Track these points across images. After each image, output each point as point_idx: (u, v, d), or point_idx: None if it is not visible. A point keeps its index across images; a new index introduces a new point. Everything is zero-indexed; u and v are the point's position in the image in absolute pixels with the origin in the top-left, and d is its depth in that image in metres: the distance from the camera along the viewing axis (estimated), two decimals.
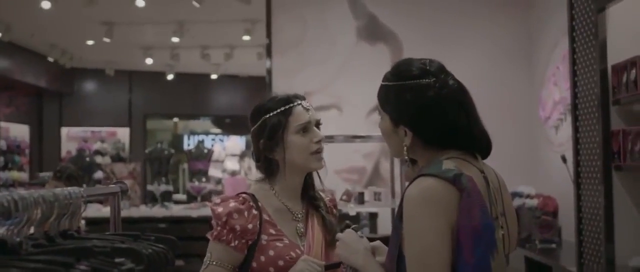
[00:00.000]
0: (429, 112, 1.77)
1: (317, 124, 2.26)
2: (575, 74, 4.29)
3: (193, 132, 15.43)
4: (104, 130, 14.06)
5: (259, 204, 2.20)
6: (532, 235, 5.51)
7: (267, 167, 2.26)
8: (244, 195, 2.23)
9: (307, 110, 2.24)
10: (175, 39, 9.78)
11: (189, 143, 14.85)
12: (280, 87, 6.97)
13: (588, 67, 4.10)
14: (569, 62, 4.37)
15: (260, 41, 8.21)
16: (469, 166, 1.76)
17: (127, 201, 9.57)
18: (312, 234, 2.23)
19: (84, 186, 5.59)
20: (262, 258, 2.14)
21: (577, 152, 4.29)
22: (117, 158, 13.56)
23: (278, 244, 2.16)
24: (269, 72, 6.95)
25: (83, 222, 5.58)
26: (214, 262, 2.13)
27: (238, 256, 2.15)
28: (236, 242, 2.14)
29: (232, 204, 2.15)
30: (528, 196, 5.87)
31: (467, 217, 1.65)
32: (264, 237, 2.16)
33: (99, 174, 11.34)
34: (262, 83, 7.36)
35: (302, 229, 2.24)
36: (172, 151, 10.83)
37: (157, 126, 15.56)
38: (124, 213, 8.96)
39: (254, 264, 2.14)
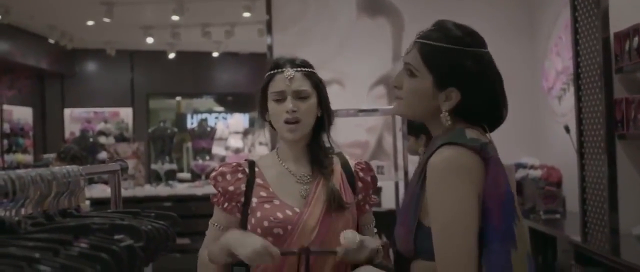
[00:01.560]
0: (483, 82, 1.76)
1: (299, 95, 2.24)
2: (577, 43, 4.27)
3: (196, 111, 15.42)
4: (107, 110, 14.05)
5: (256, 169, 2.25)
6: (536, 206, 5.51)
7: (271, 128, 2.31)
8: (242, 161, 2.30)
9: (288, 78, 2.23)
10: (175, 18, 9.73)
11: (193, 122, 14.85)
12: None
13: (590, 36, 4.08)
14: (571, 31, 4.34)
15: (261, 18, 8.17)
16: (483, 136, 1.76)
17: (131, 181, 9.58)
18: (312, 196, 2.22)
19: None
20: (253, 220, 2.19)
21: (580, 121, 4.27)
22: (120, 138, 13.58)
23: (266, 205, 2.19)
24: (270, 48, 6.92)
25: (87, 202, 5.58)
26: (214, 224, 2.27)
27: (230, 217, 2.23)
28: (225, 204, 2.23)
29: (221, 168, 2.27)
30: (532, 167, 5.87)
31: (493, 185, 1.66)
32: (254, 199, 2.21)
33: (102, 155, 11.35)
34: (263, 60, 7.35)
35: (305, 192, 2.24)
36: (175, 129, 10.82)
37: (160, 105, 15.55)
38: (129, 193, 9.05)
39: (248, 227, 2.20)
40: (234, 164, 2.29)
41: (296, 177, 2.26)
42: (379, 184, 5.79)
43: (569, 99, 5.37)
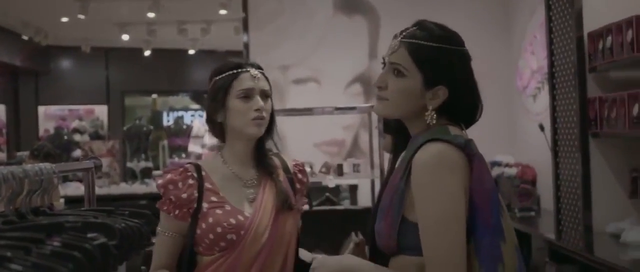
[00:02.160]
0: (468, 79, 1.81)
1: (265, 94, 2.26)
2: (551, 42, 4.30)
3: (172, 108, 15.34)
4: (82, 108, 13.93)
5: (203, 173, 2.23)
6: (511, 204, 5.54)
7: (214, 130, 2.31)
8: (187, 165, 2.26)
9: (255, 78, 2.24)
10: (151, 15, 9.66)
11: (169, 119, 14.77)
12: (257, 61, 6.92)
13: (564, 35, 4.11)
14: (545, 31, 4.37)
15: (237, 15, 8.14)
16: (464, 134, 1.80)
17: (106, 179, 9.52)
18: (261, 200, 2.23)
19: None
20: (203, 225, 2.16)
21: (554, 120, 4.31)
22: (95, 136, 13.45)
23: (217, 211, 2.18)
24: (247, 46, 6.90)
25: (62, 200, 5.54)
26: (163, 232, 2.19)
27: (181, 224, 2.19)
28: (176, 211, 2.18)
29: (168, 175, 2.20)
30: (507, 165, 5.91)
31: (480, 181, 1.70)
32: (204, 204, 2.19)
33: (77, 153, 11.24)
34: (240, 58, 7.32)
35: (252, 195, 2.25)
36: (151, 127, 10.76)
37: (136, 103, 15.45)
38: (104, 191, 8.97)
39: (198, 232, 2.17)
40: (181, 169, 2.24)
41: (242, 180, 2.27)
42: (355, 182, 5.85)
43: (544, 97, 5.41)
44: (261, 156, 2.31)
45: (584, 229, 3.93)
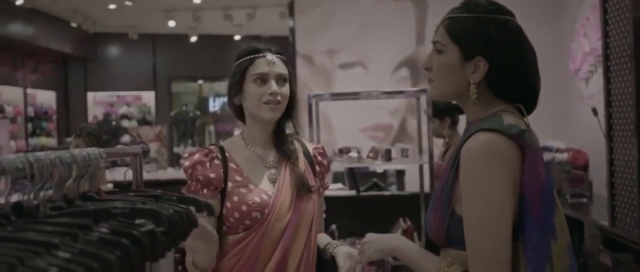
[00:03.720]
0: (511, 50, 1.69)
1: (282, 79, 2.30)
2: (606, 23, 4.16)
3: (218, 94, 15.41)
4: (130, 94, 14.10)
5: (227, 154, 2.30)
6: (563, 189, 5.43)
7: (235, 112, 2.41)
8: (211, 147, 2.35)
9: (270, 63, 2.29)
10: (196, 1, 9.69)
11: (215, 105, 14.85)
12: (303, 46, 6.90)
13: (620, 15, 3.98)
14: (600, 11, 4.24)
15: (282, 0, 8.11)
16: (521, 122, 1.69)
17: (154, 164, 9.60)
18: (282, 180, 2.29)
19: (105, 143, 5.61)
20: (228, 204, 2.22)
21: (609, 104, 4.18)
22: (143, 122, 13.62)
23: (242, 190, 2.24)
24: (292, 31, 6.88)
25: (111, 185, 5.61)
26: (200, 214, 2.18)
27: (212, 202, 2.19)
28: (205, 190, 2.23)
29: (195, 156, 2.28)
30: (558, 150, 5.79)
31: (532, 175, 1.59)
32: (230, 184, 2.25)
33: (125, 138, 11.38)
34: (285, 43, 7.30)
35: (274, 176, 2.30)
36: (198, 112, 10.83)
37: (182, 89, 15.56)
38: (152, 176, 9.06)
39: (224, 211, 2.23)
40: (205, 150, 2.31)
41: (264, 161, 2.33)
42: (403, 167, 5.79)
43: (597, 81, 5.27)
44: (280, 140, 2.36)
45: None
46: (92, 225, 1.07)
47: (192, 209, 1.37)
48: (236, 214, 2.21)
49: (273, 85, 2.25)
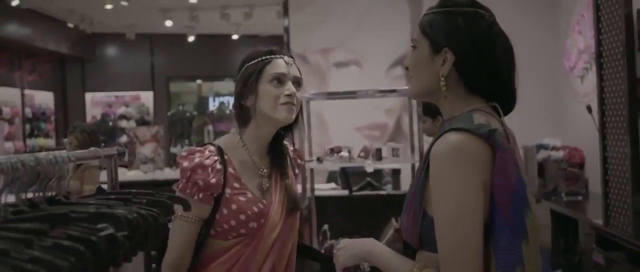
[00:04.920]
0: (478, 41, 1.65)
1: (297, 82, 2.26)
2: (599, 20, 4.14)
3: (218, 94, 15.38)
4: (128, 94, 14.09)
5: (225, 157, 2.22)
6: (559, 187, 5.40)
7: (241, 114, 2.29)
8: (211, 147, 2.24)
9: (288, 64, 2.26)
10: (193, 0, 9.66)
11: (214, 104, 14.82)
12: (298, 45, 6.88)
13: (612, 12, 3.95)
14: (592, 8, 4.21)
15: None
16: (494, 121, 1.65)
17: (151, 164, 9.58)
18: (275, 191, 2.26)
19: (101, 141, 5.59)
20: (225, 211, 2.16)
21: (602, 101, 4.15)
22: (141, 122, 13.60)
23: (241, 198, 2.18)
24: (287, 30, 6.85)
25: (106, 186, 5.56)
26: (185, 217, 2.15)
27: (204, 207, 2.15)
28: (200, 194, 2.14)
29: (197, 159, 2.16)
30: (554, 148, 5.76)
31: (502, 175, 1.55)
32: (228, 190, 2.18)
33: (123, 139, 11.36)
34: (281, 42, 7.27)
35: (267, 185, 2.26)
36: (195, 112, 10.79)
37: (181, 89, 15.54)
38: (149, 176, 9.03)
39: (217, 217, 2.16)
40: (207, 152, 2.20)
41: (258, 169, 2.27)
42: (398, 166, 5.76)
43: (592, 78, 5.24)
44: (278, 149, 2.33)
45: (633, 214, 3.78)
46: (49, 230, 1.05)
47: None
48: (232, 222, 2.16)
49: (291, 87, 2.20)
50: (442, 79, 1.66)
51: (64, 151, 1.35)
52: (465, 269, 1.53)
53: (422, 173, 1.65)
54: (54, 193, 1.34)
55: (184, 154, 2.21)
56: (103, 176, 5.64)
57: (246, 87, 2.23)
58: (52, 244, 1.00)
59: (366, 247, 1.79)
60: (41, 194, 1.28)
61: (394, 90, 4.93)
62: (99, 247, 1.02)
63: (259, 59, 2.25)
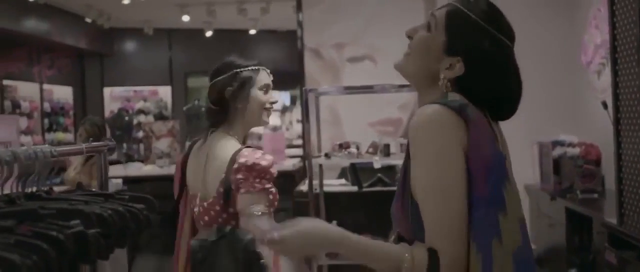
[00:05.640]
0: (491, 65, 1.65)
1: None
2: (613, 14, 4.06)
3: None
4: (146, 89, 14.13)
5: None
6: (574, 185, 5.31)
7: (225, 113, 2.64)
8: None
9: (269, 75, 2.74)
10: None
11: None
12: (312, 39, 6.83)
13: (627, 6, 3.87)
14: (607, 2, 4.13)
15: None
16: (477, 112, 1.61)
17: (167, 159, 9.57)
18: None
19: (109, 135, 5.60)
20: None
21: (616, 96, 4.07)
22: (159, 116, 13.63)
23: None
24: (300, 24, 6.80)
25: (120, 181, 5.60)
26: (271, 211, 2.51)
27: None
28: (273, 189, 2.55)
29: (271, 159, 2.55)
30: (569, 145, 5.67)
31: (476, 147, 1.53)
32: None
33: (139, 133, 11.38)
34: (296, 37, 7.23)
35: None
36: None
37: (199, 84, 15.53)
38: (164, 171, 9.04)
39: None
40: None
41: None
42: (392, 162, 5.67)
43: (609, 74, 5.14)
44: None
45: None
46: (15, 227, 1.02)
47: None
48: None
49: (274, 96, 2.69)
50: (446, 81, 1.66)
51: (47, 145, 1.33)
52: (452, 232, 1.50)
53: (405, 156, 1.63)
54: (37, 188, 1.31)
55: (264, 156, 2.51)
56: (116, 169, 5.65)
57: (242, 91, 2.60)
58: (15, 242, 0.97)
59: (333, 237, 1.59)
60: (20, 189, 1.26)
61: (409, 85, 4.87)
62: (65, 245, 0.99)
63: (251, 68, 2.67)
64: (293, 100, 15.41)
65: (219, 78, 2.67)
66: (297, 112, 14.63)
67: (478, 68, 1.64)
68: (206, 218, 2.51)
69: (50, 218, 1.09)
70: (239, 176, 2.41)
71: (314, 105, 4.52)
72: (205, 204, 2.52)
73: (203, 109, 10.13)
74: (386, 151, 4.35)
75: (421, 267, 1.50)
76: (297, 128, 14.23)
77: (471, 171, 1.52)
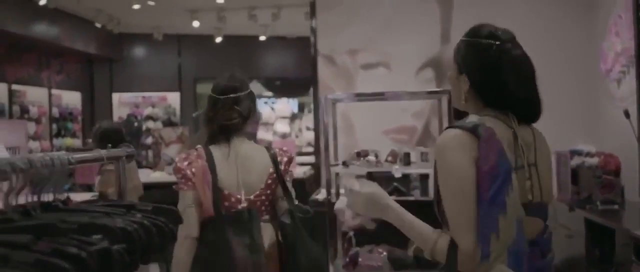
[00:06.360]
0: (484, 69, 2.08)
1: None
2: (638, 21, 3.96)
3: None
4: (155, 95, 14.06)
5: None
6: (593, 196, 5.19)
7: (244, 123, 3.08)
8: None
9: None
10: (220, 1, 9.57)
11: None
12: (325, 46, 6.74)
13: None
14: (632, 9, 4.03)
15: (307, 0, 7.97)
16: (497, 122, 2.05)
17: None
18: None
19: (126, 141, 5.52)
20: None
21: None
22: (168, 123, 13.56)
23: None
24: (314, 31, 6.71)
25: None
26: None
27: None
28: None
29: None
30: (588, 154, 5.54)
31: (484, 160, 1.91)
32: None
33: (149, 140, 11.30)
34: (309, 43, 7.15)
35: None
36: None
37: (208, 90, 15.38)
38: (173, 177, 8.95)
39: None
40: None
41: None
42: (426, 171, 5.59)
43: (629, 82, 5.04)
44: None
45: None
46: (32, 244, 0.92)
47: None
48: None
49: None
50: (464, 95, 2.12)
51: (63, 152, 1.23)
52: (466, 226, 1.90)
53: (434, 168, 2.05)
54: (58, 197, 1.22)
55: (288, 150, 3.16)
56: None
57: (255, 105, 3.15)
58: (35, 261, 0.87)
59: (383, 200, 2.15)
60: (36, 199, 1.16)
61: (434, 91, 4.75)
62: (88, 264, 0.90)
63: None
64: (301, 108, 15.32)
65: (245, 92, 3.13)
66: (306, 120, 14.54)
67: (474, 73, 2.09)
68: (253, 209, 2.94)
69: (70, 233, 1.00)
70: (286, 167, 3.03)
71: (330, 112, 4.41)
72: (251, 197, 2.94)
73: None
74: (406, 160, 4.24)
75: (442, 250, 1.96)
76: (307, 135, 14.13)
77: (478, 181, 1.91)
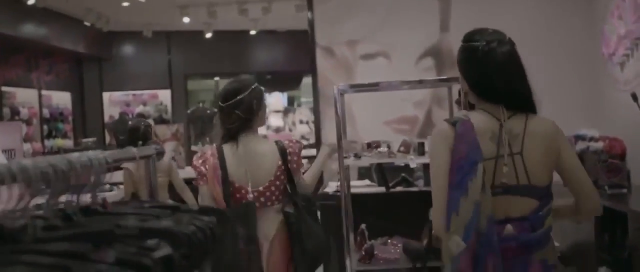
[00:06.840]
0: (472, 68, 2.42)
1: None
2: None
3: None
4: (146, 93, 13.95)
5: None
6: (599, 180, 5.14)
7: (252, 119, 3.38)
8: None
9: None
10: None
11: None
12: (323, 37, 6.66)
13: None
14: None
15: None
16: (485, 115, 2.37)
17: (173, 162, 9.38)
18: None
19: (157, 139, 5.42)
20: None
21: None
22: (159, 120, 13.45)
23: None
24: (311, 23, 6.62)
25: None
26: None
27: None
28: None
29: None
30: (592, 139, 5.49)
31: (456, 151, 2.27)
32: None
33: None
34: (302, 37, 7.07)
35: None
36: (214, 109, 10.60)
37: (199, 86, 15.38)
38: None
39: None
40: None
41: None
42: (427, 161, 5.50)
43: (633, 65, 4.99)
44: None
45: None
46: (91, 253, 0.84)
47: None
48: None
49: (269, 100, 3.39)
50: (464, 92, 2.50)
51: (99, 151, 1.15)
52: (437, 206, 2.27)
53: None
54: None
55: (295, 143, 3.51)
56: (119, 175, 5.41)
57: (262, 102, 3.40)
58: None
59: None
60: (76, 203, 1.08)
61: (445, 79, 4.65)
62: None
63: (261, 89, 3.45)
64: (290, 102, 15.26)
65: (245, 94, 3.31)
66: (299, 113, 14.47)
67: (467, 72, 2.44)
68: (262, 199, 3.27)
69: (128, 239, 0.92)
70: (295, 159, 3.38)
71: (341, 103, 4.32)
72: (260, 188, 3.28)
73: (208, 111, 9.99)
74: (421, 150, 4.16)
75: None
76: (301, 129, 14.07)
77: (451, 166, 2.26)
